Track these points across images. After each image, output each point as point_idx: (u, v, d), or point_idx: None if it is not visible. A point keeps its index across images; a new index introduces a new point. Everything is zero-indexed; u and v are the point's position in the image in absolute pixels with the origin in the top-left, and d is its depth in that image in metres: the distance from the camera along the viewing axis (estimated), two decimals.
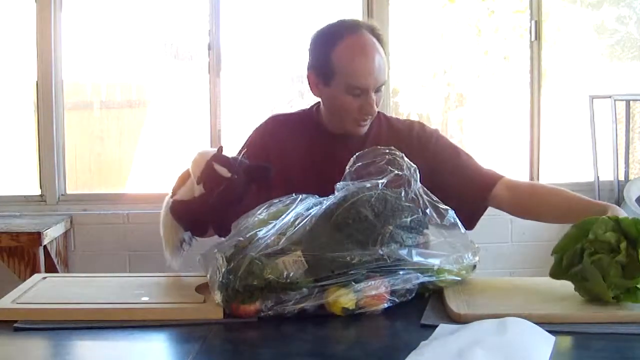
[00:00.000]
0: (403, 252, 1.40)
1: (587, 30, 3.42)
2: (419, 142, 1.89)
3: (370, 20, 3.16)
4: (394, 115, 3.20)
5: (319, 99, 1.91)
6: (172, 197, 1.64)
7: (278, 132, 1.92)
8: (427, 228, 1.49)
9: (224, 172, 1.47)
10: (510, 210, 1.88)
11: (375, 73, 1.76)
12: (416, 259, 1.41)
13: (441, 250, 1.48)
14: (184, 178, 1.62)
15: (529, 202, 1.84)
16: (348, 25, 1.81)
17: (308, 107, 1.98)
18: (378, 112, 1.90)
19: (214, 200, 1.48)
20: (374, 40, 1.79)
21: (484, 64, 3.43)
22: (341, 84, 1.77)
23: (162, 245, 1.69)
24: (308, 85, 1.87)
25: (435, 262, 1.45)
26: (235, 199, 1.52)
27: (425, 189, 1.52)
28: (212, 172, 1.48)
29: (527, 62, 3.29)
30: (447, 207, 1.54)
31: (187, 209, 1.58)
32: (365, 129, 1.85)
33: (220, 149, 1.53)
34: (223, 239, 1.51)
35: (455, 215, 1.54)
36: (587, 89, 3.29)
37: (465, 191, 1.82)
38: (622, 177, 3.21)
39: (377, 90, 1.79)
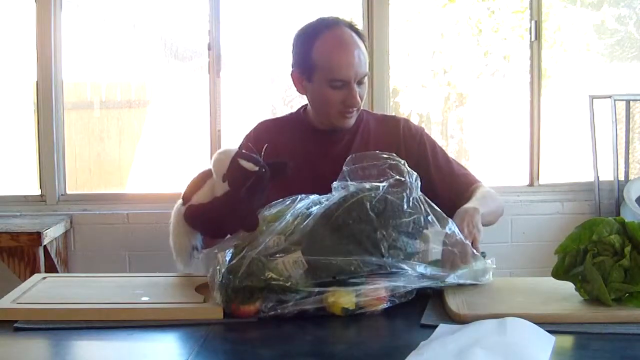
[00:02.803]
0: (407, 265, 1.40)
1: (587, 30, 3.42)
2: (405, 138, 1.94)
3: (370, 21, 3.17)
4: (393, 115, 3.23)
5: (305, 103, 1.95)
6: (184, 204, 1.61)
7: (268, 136, 1.93)
8: (427, 228, 1.49)
9: (250, 166, 1.49)
10: None
11: (355, 65, 1.80)
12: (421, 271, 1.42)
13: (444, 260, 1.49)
14: (196, 184, 1.59)
15: None
16: (327, 21, 1.86)
17: (295, 110, 2.02)
18: (363, 109, 1.93)
19: (244, 195, 1.48)
20: (353, 34, 1.84)
21: (484, 64, 3.43)
22: (323, 78, 1.81)
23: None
24: (293, 84, 1.90)
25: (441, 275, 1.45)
26: (264, 191, 1.53)
27: (426, 197, 1.51)
28: (239, 168, 1.49)
29: (527, 62, 3.29)
30: (447, 216, 1.53)
31: (207, 210, 1.56)
32: (352, 121, 1.89)
33: (241, 147, 1.54)
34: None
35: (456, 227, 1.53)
36: (587, 89, 3.29)
37: (440, 191, 1.84)
38: (622, 177, 3.21)
39: (360, 82, 1.83)
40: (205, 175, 1.59)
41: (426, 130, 2.08)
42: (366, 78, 1.85)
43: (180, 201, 1.63)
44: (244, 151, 1.53)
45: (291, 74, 1.90)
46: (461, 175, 1.95)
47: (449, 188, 1.88)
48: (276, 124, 2.03)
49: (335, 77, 1.80)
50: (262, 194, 1.53)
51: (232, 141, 1.57)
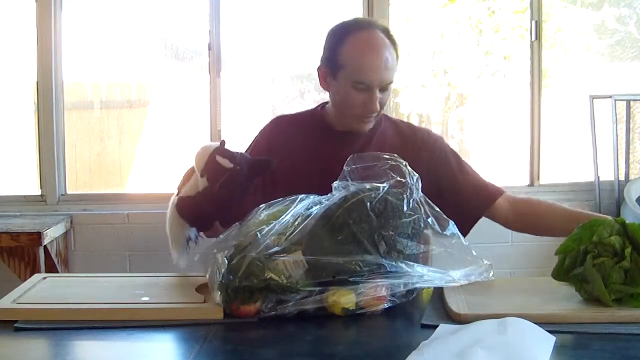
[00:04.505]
0: (407, 267, 1.40)
1: (587, 30, 3.42)
2: (425, 147, 1.90)
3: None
4: (394, 116, 3.22)
5: (322, 101, 1.94)
6: (177, 195, 1.65)
7: (283, 132, 1.94)
8: (427, 228, 1.49)
9: (225, 163, 1.50)
10: (507, 225, 1.93)
11: (382, 70, 1.78)
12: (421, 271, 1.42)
13: (445, 263, 1.49)
14: (189, 175, 1.63)
15: (528, 220, 1.89)
16: (361, 22, 1.87)
17: (313, 107, 2.00)
18: (384, 114, 1.91)
19: (217, 192, 1.49)
20: (385, 39, 1.82)
21: (485, 64, 3.43)
22: (347, 77, 1.79)
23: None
24: (318, 79, 1.89)
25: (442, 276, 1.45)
26: (238, 190, 1.54)
27: (426, 198, 1.51)
28: (215, 163, 1.51)
29: (527, 62, 3.29)
30: (447, 218, 1.53)
31: (191, 203, 1.59)
32: (369, 126, 1.87)
33: (223, 142, 1.56)
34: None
35: (455, 226, 1.53)
36: (587, 89, 3.29)
37: (465, 202, 1.83)
38: (622, 177, 3.21)
39: (383, 89, 1.80)
40: (194, 169, 1.61)
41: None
42: (391, 86, 1.82)
43: (175, 192, 1.65)
44: (226, 147, 1.54)
45: (318, 68, 1.88)
46: (488, 184, 1.93)
47: (475, 194, 1.88)
48: (292, 120, 2.00)
49: (359, 79, 1.77)
50: (243, 191, 1.54)
51: (232, 141, 1.58)
